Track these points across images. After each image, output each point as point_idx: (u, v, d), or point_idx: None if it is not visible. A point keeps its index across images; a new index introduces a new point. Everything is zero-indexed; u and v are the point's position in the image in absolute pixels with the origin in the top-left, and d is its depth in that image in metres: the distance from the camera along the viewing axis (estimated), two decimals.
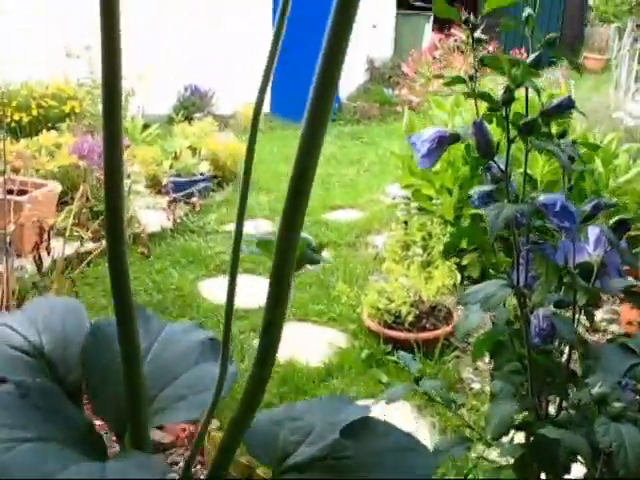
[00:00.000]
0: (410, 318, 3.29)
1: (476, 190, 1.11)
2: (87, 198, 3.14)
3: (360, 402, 2.95)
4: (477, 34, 1.39)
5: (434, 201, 3.66)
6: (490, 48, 6.97)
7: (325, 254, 3.93)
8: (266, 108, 9.24)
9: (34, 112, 7.10)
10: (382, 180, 6.21)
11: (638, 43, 6.35)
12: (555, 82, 6.98)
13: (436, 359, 3.24)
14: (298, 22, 8.89)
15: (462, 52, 7.27)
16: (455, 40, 7.56)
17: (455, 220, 3.78)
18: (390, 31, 10.67)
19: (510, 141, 1.00)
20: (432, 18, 11.10)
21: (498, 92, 1.22)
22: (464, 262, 3.79)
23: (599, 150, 4.12)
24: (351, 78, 9.97)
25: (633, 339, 1.14)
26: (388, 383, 3.15)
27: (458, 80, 1.41)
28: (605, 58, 12.59)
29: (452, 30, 7.96)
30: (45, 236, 3.07)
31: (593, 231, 1.46)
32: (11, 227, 2.82)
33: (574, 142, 1.52)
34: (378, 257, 4.20)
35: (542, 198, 1.00)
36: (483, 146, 0.99)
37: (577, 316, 1.37)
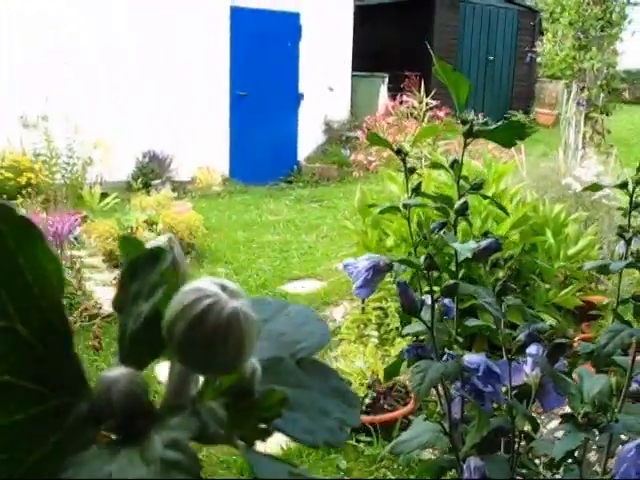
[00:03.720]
0: (367, 400, 3.28)
1: (406, 343, 1.12)
2: None
3: None
4: (409, 164, 1.41)
5: (389, 278, 3.68)
6: (441, 114, 7.15)
7: None
8: (226, 172, 9.30)
9: None
10: (341, 246, 6.24)
11: (582, 106, 6.56)
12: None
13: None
14: (258, 89, 8.92)
15: (415, 118, 7.45)
16: (407, 107, 7.75)
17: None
18: (346, 92, 10.87)
19: (434, 301, 1.02)
20: (387, 79, 11.35)
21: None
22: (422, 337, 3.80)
23: (548, 221, 4.22)
24: (309, 140, 10.10)
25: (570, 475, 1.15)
26: (346, 469, 3.12)
27: (392, 209, 1.43)
28: (556, 113, 12.97)
29: (404, 97, 8.16)
30: None
31: (530, 351, 1.48)
32: None
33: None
34: (336, 332, 4.19)
35: (466, 359, 1.02)
36: (407, 307, 1.01)
37: (517, 440, 1.38)
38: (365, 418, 3.24)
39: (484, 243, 1.15)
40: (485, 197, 1.23)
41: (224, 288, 0.29)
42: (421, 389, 0.95)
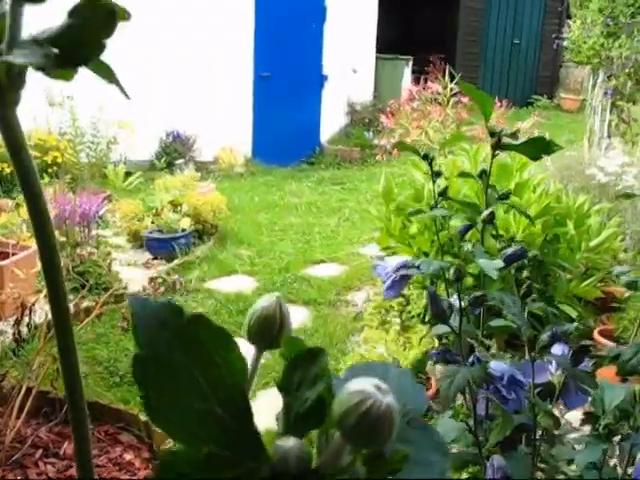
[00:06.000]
0: None
1: (433, 348, 1.16)
2: (67, 271, 3.17)
3: None
4: (436, 168, 1.45)
5: None
6: (465, 99, 7.14)
7: (306, 314, 3.99)
8: (248, 153, 9.33)
9: None
10: (362, 231, 6.28)
11: (608, 95, 6.50)
12: (528, 131, 7.12)
13: None
14: (282, 70, 8.87)
15: (439, 103, 7.43)
16: (432, 92, 7.73)
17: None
18: (370, 75, 10.84)
19: (462, 310, 1.06)
20: (411, 62, 11.29)
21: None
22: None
23: (571, 212, 4.23)
24: (332, 122, 10.10)
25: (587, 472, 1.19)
26: None
27: (420, 212, 1.47)
28: (580, 98, 12.84)
29: (428, 83, 8.14)
30: (27, 312, 3.10)
31: (556, 350, 1.52)
32: None
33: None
34: (358, 317, 4.25)
35: (492, 366, 1.06)
36: (436, 314, 1.06)
37: (539, 435, 1.42)
38: None
39: (510, 251, 1.19)
40: (517, 210, 1.27)
41: (378, 388, 0.39)
42: (448, 395, 1.00)
